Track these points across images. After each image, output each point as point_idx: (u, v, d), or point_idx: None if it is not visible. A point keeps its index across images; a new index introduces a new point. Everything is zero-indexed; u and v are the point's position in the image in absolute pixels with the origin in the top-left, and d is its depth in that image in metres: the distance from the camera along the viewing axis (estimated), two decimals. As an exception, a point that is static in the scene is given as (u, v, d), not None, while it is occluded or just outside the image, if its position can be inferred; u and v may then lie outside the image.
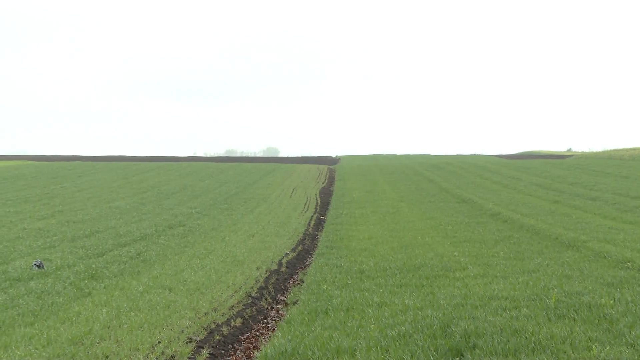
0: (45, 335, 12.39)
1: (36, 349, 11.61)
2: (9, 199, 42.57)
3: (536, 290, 14.16)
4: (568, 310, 12.25)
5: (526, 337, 10.41)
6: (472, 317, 11.89)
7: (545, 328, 10.99)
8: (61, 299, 15.64)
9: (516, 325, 11.12)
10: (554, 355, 9.65)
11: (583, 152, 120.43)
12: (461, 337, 10.61)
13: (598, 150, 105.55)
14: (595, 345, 9.98)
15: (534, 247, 21.69)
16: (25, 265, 19.68)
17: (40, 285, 17.03)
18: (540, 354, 9.70)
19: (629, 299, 13.13)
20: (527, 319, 11.70)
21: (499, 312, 12.38)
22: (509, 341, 10.23)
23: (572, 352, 9.71)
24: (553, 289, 14.21)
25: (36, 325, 13.36)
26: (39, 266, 19.26)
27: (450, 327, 11.25)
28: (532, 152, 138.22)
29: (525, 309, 12.49)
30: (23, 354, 11.27)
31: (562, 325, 11.23)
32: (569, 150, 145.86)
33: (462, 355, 9.95)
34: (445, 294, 14.48)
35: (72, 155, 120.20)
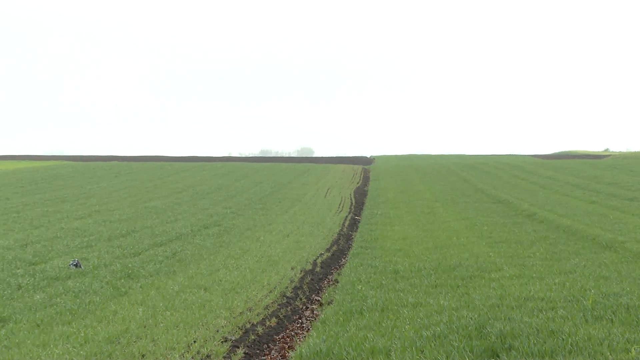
0: (82, 334, 12.53)
1: (74, 347, 11.74)
2: (47, 198, 43.10)
3: (573, 292, 14.04)
4: (605, 312, 12.12)
5: (563, 339, 10.32)
6: (508, 318, 11.81)
7: (583, 329, 10.88)
8: (98, 298, 15.81)
9: (553, 327, 11.03)
10: (591, 357, 9.56)
11: (620, 152, 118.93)
12: (497, 338, 10.55)
13: (636, 150, 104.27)
14: (635, 348, 9.86)
15: (570, 248, 21.50)
16: (63, 264, 19.92)
17: (78, 284, 17.23)
18: (577, 355, 9.61)
19: (668, 300, 12.95)
20: (564, 320, 11.60)
21: (535, 313, 12.28)
22: (545, 342, 10.15)
23: (610, 354, 9.60)
24: (590, 290, 14.08)
25: (74, 323, 13.51)
26: (76, 265, 19.48)
27: (486, 328, 11.19)
28: (569, 152, 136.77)
29: (561, 310, 12.38)
30: (61, 352, 11.40)
31: (599, 327, 11.11)
32: (606, 150, 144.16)
33: (498, 356, 9.89)
34: (481, 294, 14.40)
35: (109, 156, 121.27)
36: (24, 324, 13.53)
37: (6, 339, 12.43)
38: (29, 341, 12.22)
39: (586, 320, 11.67)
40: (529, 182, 56.61)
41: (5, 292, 16.31)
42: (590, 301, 12.89)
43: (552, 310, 12.51)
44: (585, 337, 10.37)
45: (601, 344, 10.07)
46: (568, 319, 11.75)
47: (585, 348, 9.89)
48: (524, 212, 33.50)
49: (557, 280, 15.58)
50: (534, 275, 16.69)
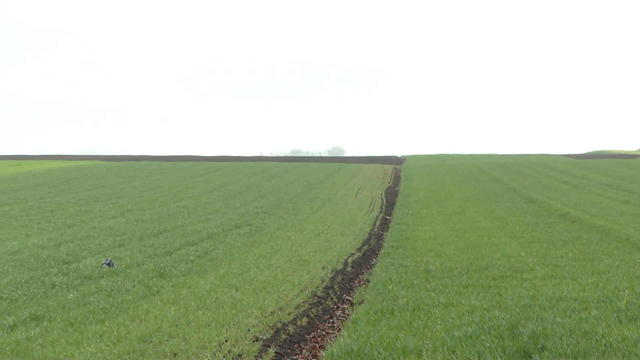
0: (115, 333, 12.64)
1: (107, 345, 11.84)
2: (80, 198, 43.49)
3: (606, 292, 13.91)
4: (640, 313, 12.01)
5: (596, 340, 10.24)
6: (541, 319, 11.74)
7: (616, 330, 10.79)
8: (130, 297, 15.93)
9: (586, 327, 10.95)
10: (625, 358, 9.47)
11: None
12: (529, 339, 10.50)
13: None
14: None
15: (603, 248, 21.29)
16: (95, 263, 20.11)
17: (110, 283, 17.37)
18: (611, 356, 9.53)
19: None
20: (597, 321, 11.50)
21: (567, 314, 12.20)
22: (578, 343, 10.08)
23: (644, 356, 9.51)
24: (624, 291, 13.94)
25: (106, 322, 13.63)
26: (109, 264, 19.65)
27: (518, 329, 11.14)
28: (602, 151, 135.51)
29: (595, 311, 12.28)
30: (94, 351, 11.51)
31: (633, 328, 11.01)
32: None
33: (530, 357, 9.85)
34: (513, 294, 14.32)
35: (141, 155, 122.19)
36: (58, 323, 13.67)
37: (40, 337, 12.56)
38: (62, 339, 12.34)
39: (620, 321, 11.57)
40: (561, 181, 56.12)
41: (40, 291, 16.49)
42: (624, 302, 12.76)
43: (586, 310, 12.42)
44: (619, 338, 10.29)
45: (635, 345, 9.99)
46: (601, 319, 11.65)
47: (619, 349, 9.81)
48: (557, 212, 33.22)
49: (590, 281, 15.45)
50: (567, 275, 16.56)
